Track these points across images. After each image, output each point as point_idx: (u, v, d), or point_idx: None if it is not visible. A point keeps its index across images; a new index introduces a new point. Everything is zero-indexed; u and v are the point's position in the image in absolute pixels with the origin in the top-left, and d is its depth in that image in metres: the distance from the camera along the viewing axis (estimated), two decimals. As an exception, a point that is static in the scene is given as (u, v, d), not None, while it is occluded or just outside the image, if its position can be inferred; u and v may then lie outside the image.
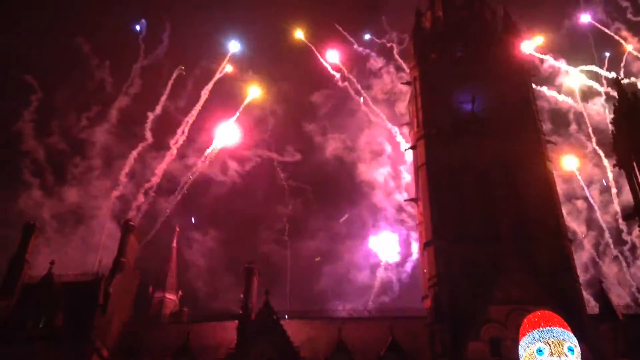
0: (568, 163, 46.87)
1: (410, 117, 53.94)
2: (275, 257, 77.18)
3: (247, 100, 71.75)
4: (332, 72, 74.46)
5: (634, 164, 21.31)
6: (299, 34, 76.74)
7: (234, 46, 76.31)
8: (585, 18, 75.71)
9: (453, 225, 40.51)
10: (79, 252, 62.76)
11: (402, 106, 68.43)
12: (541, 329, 32.26)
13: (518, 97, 45.78)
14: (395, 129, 68.73)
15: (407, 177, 63.14)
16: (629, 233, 65.37)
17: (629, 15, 75.89)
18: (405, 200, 57.70)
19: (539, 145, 43.59)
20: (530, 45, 64.98)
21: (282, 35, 78.57)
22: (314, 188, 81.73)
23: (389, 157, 74.37)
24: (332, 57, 74.51)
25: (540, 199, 40.72)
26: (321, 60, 74.71)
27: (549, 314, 32.58)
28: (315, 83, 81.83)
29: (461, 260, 38.68)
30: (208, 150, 68.10)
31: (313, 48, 75.22)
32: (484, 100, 45.96)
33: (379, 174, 75.23)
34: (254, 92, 72.42)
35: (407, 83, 53.08)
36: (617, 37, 74.75)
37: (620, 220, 65.40)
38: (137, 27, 77.57)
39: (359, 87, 74.40)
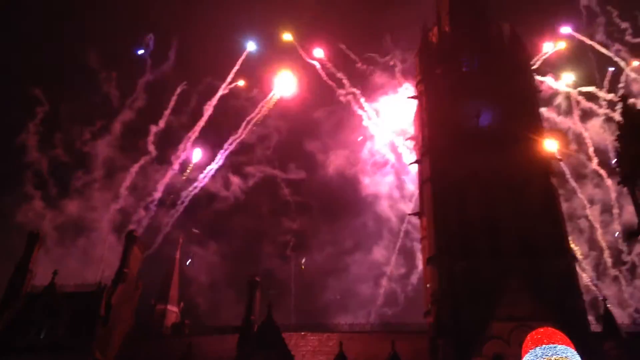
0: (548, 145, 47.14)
1: (415, 131, 53.91)
2: (279, 271, 77.16)
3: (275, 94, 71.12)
4: (333, 85, 75.04)
5: (638, 181, 21.23)
6: (287, 36, 77.05)
7: (251, 46, 77.06)
8: (565, 30, 76.18)
9: (457, 240, 40.32)
10: (79, 264, 62.77)
11: (405, 118, 68.94)
12: (544, 346, 32.05)
13: (524, 113, 45.70)
14: (400, 139, 69.26)
15: (411, 186, 63.32)
16: (629, 253, 65.27)
17: (628, 37, 76.58)
18: (409, 215, 57.44)
19: (544, 160, 43.46)
20: (552, 47, 65.71)
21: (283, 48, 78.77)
22: (318, 202, 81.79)
23: (392, 167, 74.58)
24: (334, 72, 75.24)
25: (545, 215, 40.50)
26: (324, 77, 75.29)
27: (552, 332, 32.34)
28: (318, 99, 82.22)
29: (465, 276, 38.47)
30: (210, 167, 68.39)
31: (316, 65, 75.75)
32: (489, 115, 45.93)
33: (383, 184, 75.30)
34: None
35: (414, 97, 53.12)
36: (616, 58, 75.27)
37: (620, 241, 65.45)
38: (141, 51, 78.48)
39: (362, 101, 74.82)
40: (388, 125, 73.87)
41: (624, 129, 22.53)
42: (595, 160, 70.25)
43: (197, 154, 72.06)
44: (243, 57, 75.51)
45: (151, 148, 70.51)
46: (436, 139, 45.33)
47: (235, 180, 78.79)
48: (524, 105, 46.02)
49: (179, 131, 73.39)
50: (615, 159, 22.31)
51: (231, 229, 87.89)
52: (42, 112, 77.43)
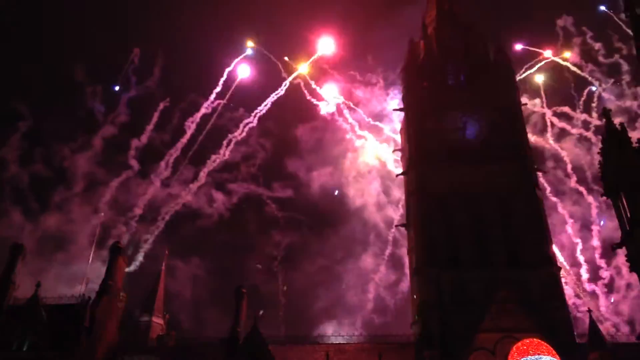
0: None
1: (402, 143, 54.29)
2: (266, 286, 76.87)
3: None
4: (317, 102, 75.61)
5: (622, 193, 21.57)
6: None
7: (250, 45, 77.20)
8: (518, 47, 77.84)
9: (444, 252, 40.53)
10: (57, 278, 61.83)
11: (389, 128, 69.71)
12: (530, 357, 32.33)
13: (509, 125, 46.20)
14: (384, 146, 69.77)
15: (397, 193, 63.69)
16: (607, 267, 66.14)
17: (601, 57, 78.29)
18: (396, 226, 57.72)
19: (529, 173, 43.90)
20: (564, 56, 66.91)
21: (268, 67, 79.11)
22: (305, 215, 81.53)
23: (378, 172, 75.01)
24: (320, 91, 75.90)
25: (530, 227, 40.87)
26: (307, 96, 75.87)
27: (538, 343, 32.65)
28: (301, 116, 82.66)
29: (451, 287, 38.65)
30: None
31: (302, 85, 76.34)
32: (475, 128, 46.35)
33: (369, 194, 75.55)
34: None
35: (400, 109, 53.53)
36: (590, 78, 76.97)
37: (598, 256, 66.44)
38: (116, 87, 77.97)
39: (345, 113, 75.46)
40: (375, 137, 74.51)
41: (606, 143, 22.90)
42: (573, 178, 71.66)
43: (180, 170, 71.54)
44: (224, 77, 75.70)
45: (133, 163, 69.88)
46: (422, 151, 45.64)
47: (219, 196, 78.47)
48: (508, 119, 46.53)
49: (161, 147, 72.98)
50: (599, 172, 22.75)
51: (216, 244, 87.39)
52: (24, 126, 76.70)
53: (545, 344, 33.01)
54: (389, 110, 71.48)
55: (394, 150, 58.15)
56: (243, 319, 41.27)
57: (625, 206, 21.07)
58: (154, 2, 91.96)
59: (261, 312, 39.26)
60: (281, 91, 74.65)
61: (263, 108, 74.20)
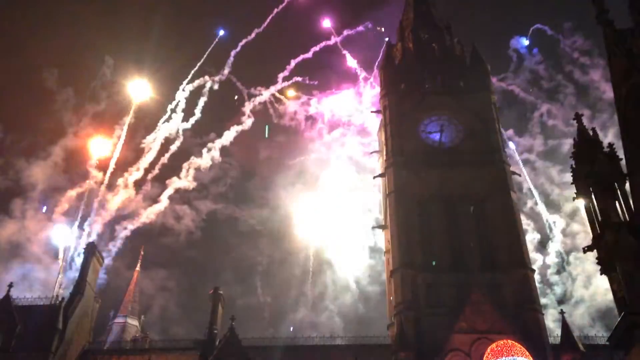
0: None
1: (379, 146, 54.55)
2: (243, 296, 76.78)
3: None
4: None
5: (592, 196, 21.95)
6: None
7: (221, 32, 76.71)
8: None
9: (420, 253, 40.81)
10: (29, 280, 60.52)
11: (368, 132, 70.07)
12: (504, 358, 32.71)
13: (484, 129, 46.71)
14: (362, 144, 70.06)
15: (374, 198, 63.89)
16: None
17: (544, 83, 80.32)
18: (373, 228, 57.88)
19: (504, 176, 44.40)
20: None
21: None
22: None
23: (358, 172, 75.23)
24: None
25: (505, 230, 41.33)
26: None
27: (512, 344, 33.05)
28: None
29: (427, 289, 38.94)
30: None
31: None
32: (451, 131, 46.74)
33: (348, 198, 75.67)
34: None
35: (377, 112, 53.76)
36: (537, 102, 78.93)
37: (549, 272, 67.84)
38: None
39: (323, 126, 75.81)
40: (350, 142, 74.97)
41: (578, 147, 23.29)
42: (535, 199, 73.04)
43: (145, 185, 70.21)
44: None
45: (96, 174, 68.46)
46: (399, 153, 45.92)
47: (188, 212, 77.52)
48: (484, 122, 47.04)
49: (125, 161, 71.45)
50: (572, 176, 23.19)
51: (189, 258, 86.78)
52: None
53: (519, 345, 33.43)
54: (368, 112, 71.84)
55: (372, 152, 58.41)
56: (219, 321, 41.10)
57: (596, 209, 21.46)
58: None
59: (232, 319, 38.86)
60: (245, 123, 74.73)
61: (227, 136, 74.03)
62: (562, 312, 38.93)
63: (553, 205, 75.07)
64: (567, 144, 68.70)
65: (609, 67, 24.35)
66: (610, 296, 21.46)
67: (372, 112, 56.47)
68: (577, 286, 67.94)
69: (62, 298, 39.94)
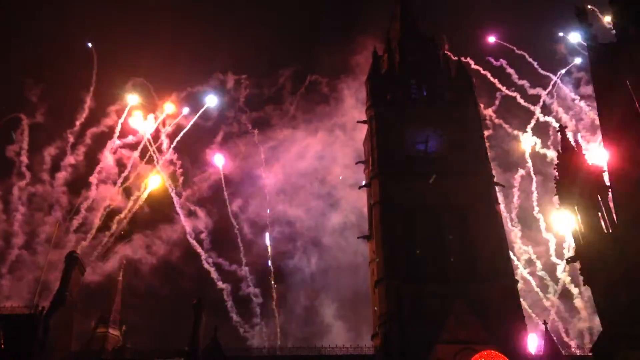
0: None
1: (365, 155, 54.66)
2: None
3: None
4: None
5: (576, 207, 22.18)
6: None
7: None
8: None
9: (405, 264, 40.83)
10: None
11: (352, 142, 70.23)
12: (487, 369, 32.73)
13: (469, 141, 47.01)
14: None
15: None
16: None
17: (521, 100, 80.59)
18: (358, 238, 57.76)
19: (489, 187, 44.67)
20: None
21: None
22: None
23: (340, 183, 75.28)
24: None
25: (489, 240, 41.52)
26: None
27: (495, 354, 33.10)
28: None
29: (411, 299, 38.92)
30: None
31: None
32: (437, 142, 46.99)
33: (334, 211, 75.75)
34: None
35: (363, 122, 53.89)
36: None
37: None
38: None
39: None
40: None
41: (562, 158, 23.59)
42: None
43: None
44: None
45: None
46: (385, 164, 46.04)
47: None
48: (469, 133, 47.36)
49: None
50: (555, 185, 23.46)
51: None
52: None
53: (502, 355, 33.47)
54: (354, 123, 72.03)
55: (357, 162, 58.42)
56: (202, 332, 40.65)
57: (580, 220, 21.66)
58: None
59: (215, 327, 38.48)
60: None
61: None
62: (545, 323, 39.03)
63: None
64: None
65: (592, 80, 24.72)
66: (593, 307, 21.62)
67: (358, 122, 56.52)
68: (560, 296, 68.38)
69: (42, 307, 39.30)
